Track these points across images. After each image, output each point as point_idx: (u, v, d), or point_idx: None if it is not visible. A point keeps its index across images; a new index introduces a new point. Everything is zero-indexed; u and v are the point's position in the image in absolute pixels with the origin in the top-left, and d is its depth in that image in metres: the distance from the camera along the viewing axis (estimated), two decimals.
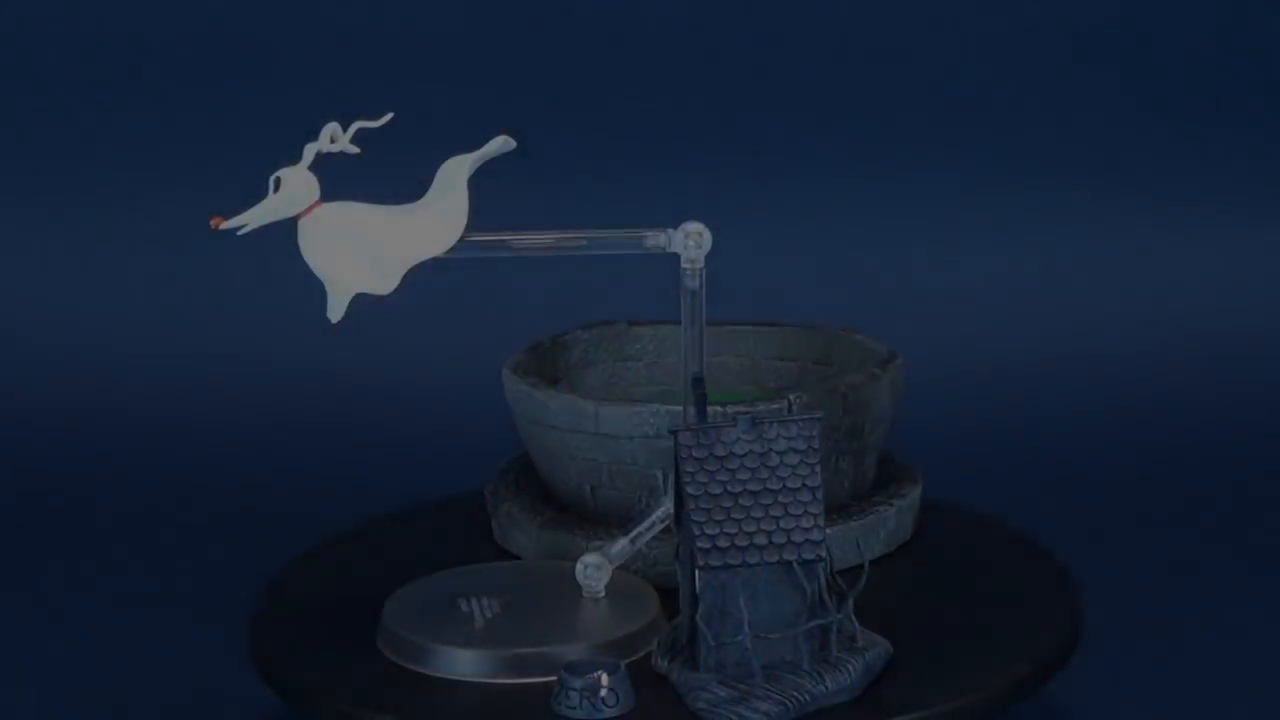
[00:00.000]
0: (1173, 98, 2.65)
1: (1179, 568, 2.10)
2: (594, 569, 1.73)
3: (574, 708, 1.57)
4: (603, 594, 1.72)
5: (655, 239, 1.67)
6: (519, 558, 1.86)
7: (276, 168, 1.62)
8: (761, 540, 1.58)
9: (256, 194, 2.66)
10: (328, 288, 1.64)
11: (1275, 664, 1.90)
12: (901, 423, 1.90)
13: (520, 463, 1.99)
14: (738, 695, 1.56)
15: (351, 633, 1.74)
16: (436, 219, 1.62)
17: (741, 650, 1.58)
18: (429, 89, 2.61)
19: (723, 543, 1.58)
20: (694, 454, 1.59)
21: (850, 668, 1.59)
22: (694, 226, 1.66)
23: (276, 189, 1.63)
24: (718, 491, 1.59)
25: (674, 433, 1.60)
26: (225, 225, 1.63)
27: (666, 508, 1.72)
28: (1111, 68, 2.65)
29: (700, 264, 1.67)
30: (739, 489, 1.59)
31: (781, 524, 1.58)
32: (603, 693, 1.56)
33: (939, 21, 2.66)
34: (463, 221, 1.62)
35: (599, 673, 1.57)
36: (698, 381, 1.61)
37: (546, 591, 1.74)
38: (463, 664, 1.65)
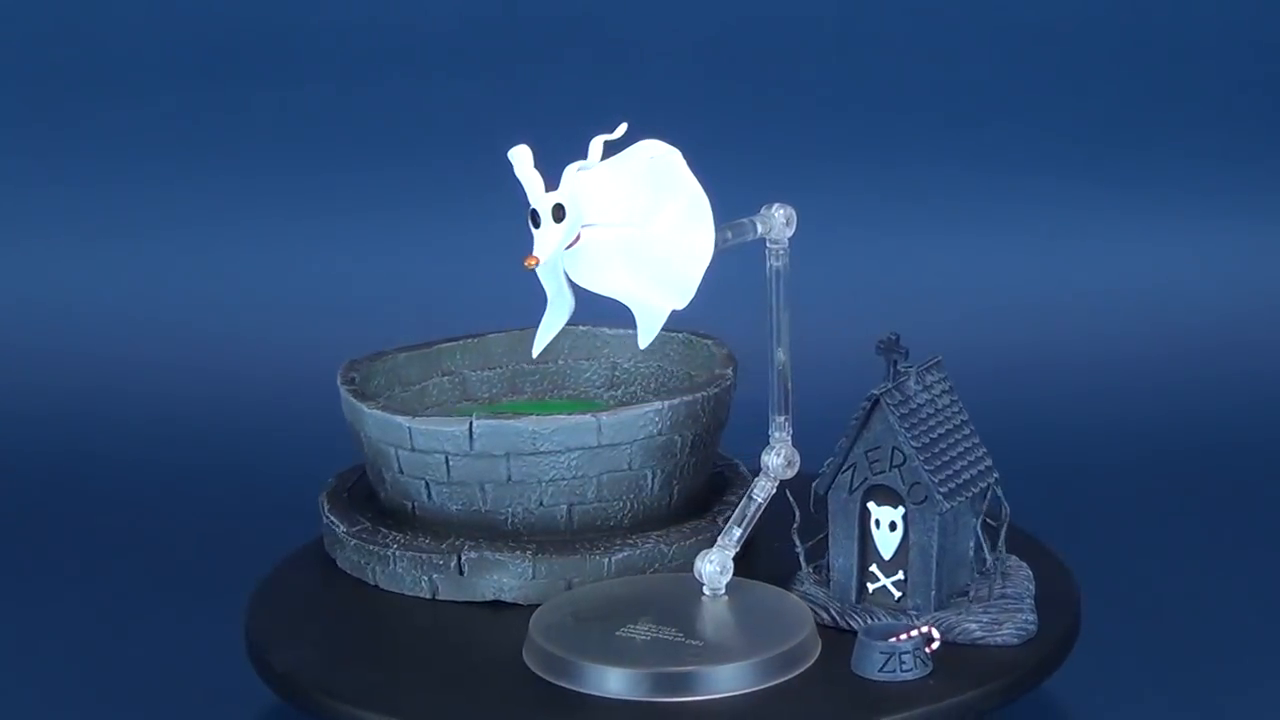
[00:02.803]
0: (1184, 100, 2.66)
1: (1178, 566, 2.10)
2: (717, 565, 1.71)
3: (909, 669, 1.60)
4: (723, 591, 1.72)
5: (763, 225, 1.69)
6: (502, 601, 1.76)
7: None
8: (964, 475, 1.70)
9: (260, 200, 2.68)
10: (635, 311, 1.51)
11: (1274, 662, 1.92)
12: None
13: (381, 512, 1.85)
14: (994, 617, 1.68)
15: (352, 632, 1.74)
16: (690, 226, 1.54)
17: (981, 577, 1.70)
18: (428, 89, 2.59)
19: (949, 484, 1.68)
20: (899, 410, 1.67)
21: (1026, 568, 1.76)
22: (780, 207, 1.70)
23: (558, 218, 1.47)
24: (925, 441, 1.68)
25: (878, 394, 1.66)
26: (534, 264, 1.46)
27: (763, 486, 1.74)
28: (1120, 68, 2.66)
29: (785, 244, 1.71)
30: (933, 435, 1.69)
31: (966, 458, 1.71)
32: (934, 646, 1.61)
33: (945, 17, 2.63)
34: (711, 220, 1.56)
35: (927, 627, 1.62)
36: (893, 341, 1.67)
37: (693, 606, 1.70)
38: (614, 682, 1.61)
